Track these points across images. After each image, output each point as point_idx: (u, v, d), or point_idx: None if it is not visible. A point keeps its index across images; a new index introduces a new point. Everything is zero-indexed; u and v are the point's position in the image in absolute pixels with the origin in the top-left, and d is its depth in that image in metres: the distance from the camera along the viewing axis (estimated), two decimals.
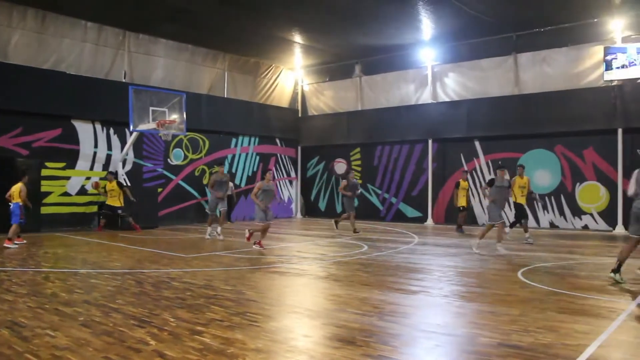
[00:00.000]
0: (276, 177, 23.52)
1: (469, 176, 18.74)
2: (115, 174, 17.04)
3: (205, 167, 20.66)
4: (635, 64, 15.93)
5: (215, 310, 6.12)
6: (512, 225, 14.72)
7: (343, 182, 16.56)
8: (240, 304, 6.53)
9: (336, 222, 17.02)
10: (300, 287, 8.00)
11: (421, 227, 18.69)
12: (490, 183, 11.89)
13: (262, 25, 17.93)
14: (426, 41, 19.65)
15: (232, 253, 11.53)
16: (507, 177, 12.05)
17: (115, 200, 16.40)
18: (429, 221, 20.33)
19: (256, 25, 17.92)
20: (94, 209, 17.09)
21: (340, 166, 23.35)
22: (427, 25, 17.76)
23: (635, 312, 6.14)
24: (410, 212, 21.05)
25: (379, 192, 21.93)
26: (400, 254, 11.51)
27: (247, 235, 12.45)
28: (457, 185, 16.88)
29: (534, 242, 13.35)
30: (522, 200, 14.04)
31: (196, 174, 20.41)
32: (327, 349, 4.73)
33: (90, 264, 9.90)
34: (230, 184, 21.02)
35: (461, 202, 16.74)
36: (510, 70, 19.02)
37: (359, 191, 17.72)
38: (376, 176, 22.09)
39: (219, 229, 14.19)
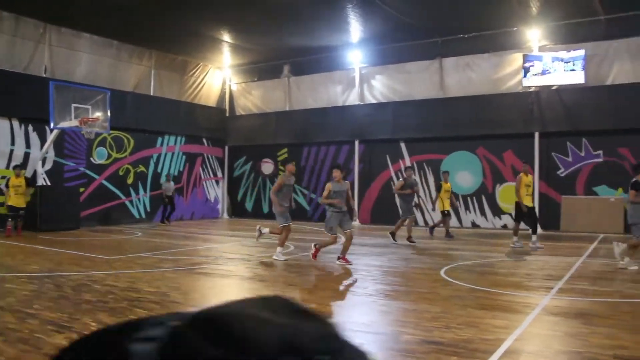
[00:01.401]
0: (203, 177, 23.19)
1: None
2: (21, 166, 15.50)
3: (130, 167, 20.11)
4: (550, 72, 16.73)
5: (138, 313, 5.97)
6: (515, 232, 13.06)
7: (399, 182, 14.10)
8: (164, 306, 6.42)
9: (392, 234, 14.15)
10: (226, 288, 7.94)
11: None
12: (636, 186, 9.05)
13: (190, 23, 17.62)
14: (354, 43, 19.89)
15: (156, 254, 11.29)
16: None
17: (19, 199, 14.58)
18: (355, 222, 20.55)
19: (184, 23, 17.59)
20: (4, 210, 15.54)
21: (267, 166, 23.27)
22: (355, 27, 18.00)
23: (548, 306, 6.45)
24: None
25: (306, 192, 22.00)
26: (327, 253, 11.58)
27: (312, 251, 10.47)
28: (439, 188, 15.44)
29: (542, 248, 12.37)
30: (528, 201, 12.65)
31: (120, 173, 19.82)
32: None
33: (5, 267, 9.44)
34: (172, 184, 20.57)
35: (447, 205, 15.38)
36: (435, 74, 19.51)
37: (417, 187, 15.11)
38: (303, 177, 22.14)
39: (265, 228, 11.71)
